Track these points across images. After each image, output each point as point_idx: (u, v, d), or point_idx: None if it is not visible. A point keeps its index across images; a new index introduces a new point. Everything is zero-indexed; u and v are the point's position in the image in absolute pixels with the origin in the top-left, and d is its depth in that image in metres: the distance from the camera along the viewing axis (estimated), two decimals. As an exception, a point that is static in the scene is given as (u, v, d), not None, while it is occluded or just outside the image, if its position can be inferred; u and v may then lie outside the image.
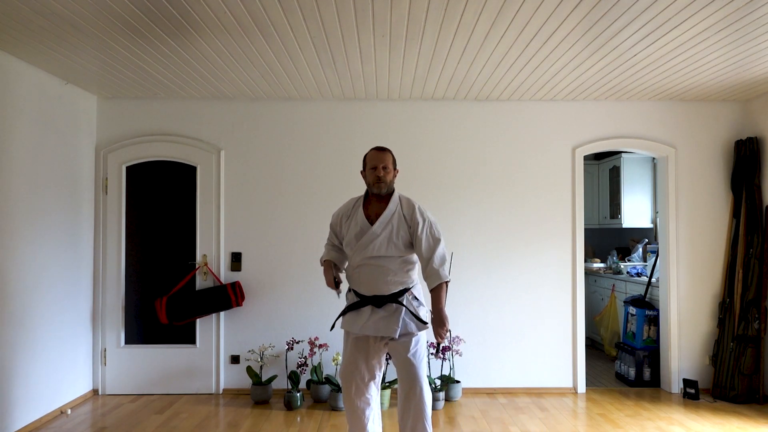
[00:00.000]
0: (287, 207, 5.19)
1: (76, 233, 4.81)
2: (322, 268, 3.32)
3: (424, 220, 3.15)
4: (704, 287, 5.21)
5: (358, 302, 3.19)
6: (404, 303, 3.13)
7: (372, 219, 3.18)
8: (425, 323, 3.17)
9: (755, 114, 5.10)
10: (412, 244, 3.17)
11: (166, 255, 5.30)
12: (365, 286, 3.17)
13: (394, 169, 3.26)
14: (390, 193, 3.24)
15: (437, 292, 3.10)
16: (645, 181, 6.84)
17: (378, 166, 3.17)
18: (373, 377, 3.26)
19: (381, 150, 3.25)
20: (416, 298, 3.22)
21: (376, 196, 3.23)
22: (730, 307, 5.00)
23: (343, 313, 3.28)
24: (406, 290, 3.18)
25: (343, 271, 3.38)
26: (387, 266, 3.13)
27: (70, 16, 3.26)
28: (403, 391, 3.18)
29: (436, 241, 3.14)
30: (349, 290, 3.32)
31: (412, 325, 3.14)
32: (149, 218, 5.35)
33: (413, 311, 3.15)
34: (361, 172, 3.29)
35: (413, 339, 3.16)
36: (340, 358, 4.82)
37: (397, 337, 3.11)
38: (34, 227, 4.25)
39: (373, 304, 3.14)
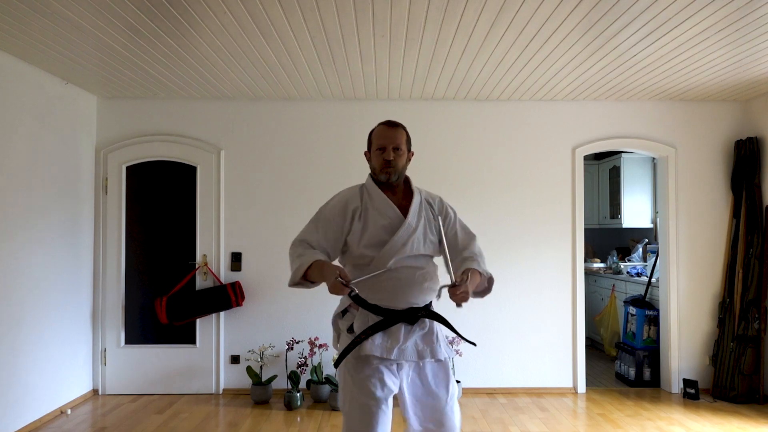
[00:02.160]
0: (287, 207, 5.19)
1: (76, 233, 4.81)
2: (313, 269, 2.35)
3: (454, 212, 2.55)
4: (704, 287, 5.21)
5: (384, 321, 2.33)
6: (437, 315, 2.44)
7: (402, 210, 2.42)
8: (451, 349, 2.49)
9: (755, 114, 5.10)
10: (439, 241, 2.43)
11: (166, 255, 5.30)
12: (398, 296, 2.35)
13: (409, 150, 2.50)
14: (403, 182, 2.52)
15: (475, 274, 2.31)
16: (645, 181, 6.84)
17: (387, 146, 2.40)
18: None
19: (391, 125, 2.47)
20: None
21: (385, 186, 2.46)
22: (730, 307, 5.00)
23: (357, 342, 2.31)
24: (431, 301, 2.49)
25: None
26: (425, 268, 2.41)
27: (70, 16, 3.26)
28: None
29: (472, 236, 2.52)
30: (354, 308, 2.44)
31: (445, 348, 2.42)
32: (149, 218, 5.35)
33: (444, 326, 2.45)
34: (365, 153, 2.57)
35: (448, 374, 2.41)
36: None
37: (443, 359, 2.39)
38: (34, 227, 4.25)
39: (406, 320, 2.34)
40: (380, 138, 2.46)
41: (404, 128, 2.51)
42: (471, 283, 2.24)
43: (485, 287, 2.46)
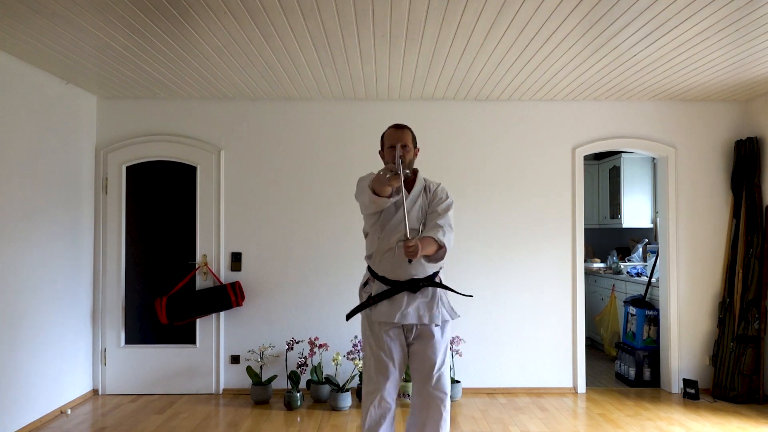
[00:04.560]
0: (287, 207, 5.19)
1: (76, 233, 4.81)
2: (379, 180, 2.73)
3: (447, 197, 3.00)
4: (704, 287, 5.21)
5: (390, 290, 2.90)
6: (439, 283, 2.96)
7: None
8: (454, 312, 3.02)
9: (755, 114, 5.10)
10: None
11: (166, 255, 5.30)
12: (399, 270, 2.90)
13: (415, 147, 3.03)
14: (413, 174, 3.04)
15: (427, 239, 2.77)
16: (645, 181, 6.84)
17: (396, 144, 2.91)
18: (401, 376, 3.02)
19: (399, 127, 3.01)
20: (443, 282, 3.03)
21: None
22: (730, 307, 5.00)
23: (366, 305, 2.96)
24: (437, 273, 2.98)
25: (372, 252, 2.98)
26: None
27: (70, 16, 3.26)
28: (422, 399, 2.97)
29: (447, 219, 2.94)
30: (372, 280, 3.01)
31: (446, 313, 2.95)
32: (149, 218, 5.35)
33: (445, 297, 2.99)
34: (379, 152, 3.07)
35: (444, 335, 2.96)
36: (340, 357, 4.84)
37: (440, 323, 2.92)
38: (34, 227, 4.25)
39: (408, 289, 2.89)
40: (391, 138, 2.98)
41: (410, 129, 3.02)
42: (422, 244, 2.71)
43: (434, 252, 2.85)
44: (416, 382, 3.00)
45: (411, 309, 2.88)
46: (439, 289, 2.96)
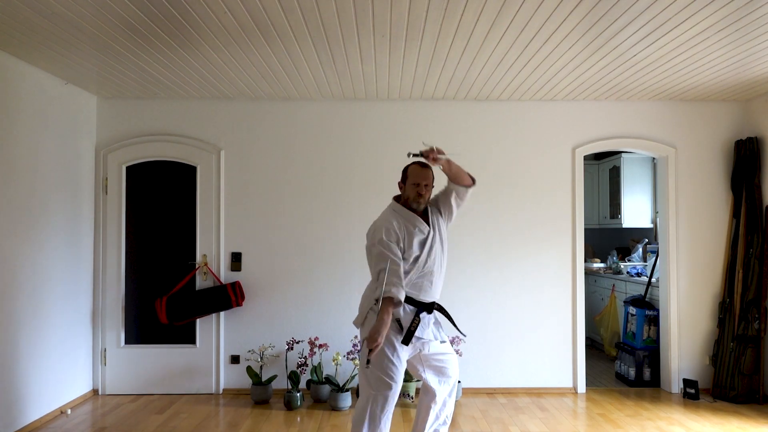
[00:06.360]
0: (287, 207, 5.19)
1: (76, 233, 4.81)
2: (387, 312, 2.88)
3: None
4: (704, 287, 5.21)
5: (418, 311, 3.10)
6: (440, 306, 3.26)
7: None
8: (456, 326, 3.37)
9: (755, 114, 5.10)
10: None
11: (166, 255, 5.31)
12: (429, 293, 3.16)
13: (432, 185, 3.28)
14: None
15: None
16: (645, 181, 6.84)
17: (421, 183, 3.17)
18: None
19: (425, 166, 3.23)
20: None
21: (412, 209, 3.19)
22: (730, 307, 5.00)
23: (409, 328, 3.04)
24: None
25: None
26: (439, 270, 3.22)
27: (70, 17, 3.26)
28: (441, 394, 3.26)
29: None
30: (397, 303, 3.03)
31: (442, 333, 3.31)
32: (149, 218, 5.36)
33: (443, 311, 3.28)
34: (399, 183, 3.26)
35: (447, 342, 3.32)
36: (340, 357, 4.85)
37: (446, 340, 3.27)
38: (34, 227, 4.25)
39: (427, 310, 3.15)
40: (416, 176, 3.19)
41: (432, 169, 3.25)
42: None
43: (466, 175, 3.27)
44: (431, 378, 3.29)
45: (430, 329, 3.16)
46: (436, 313, 3.25)
